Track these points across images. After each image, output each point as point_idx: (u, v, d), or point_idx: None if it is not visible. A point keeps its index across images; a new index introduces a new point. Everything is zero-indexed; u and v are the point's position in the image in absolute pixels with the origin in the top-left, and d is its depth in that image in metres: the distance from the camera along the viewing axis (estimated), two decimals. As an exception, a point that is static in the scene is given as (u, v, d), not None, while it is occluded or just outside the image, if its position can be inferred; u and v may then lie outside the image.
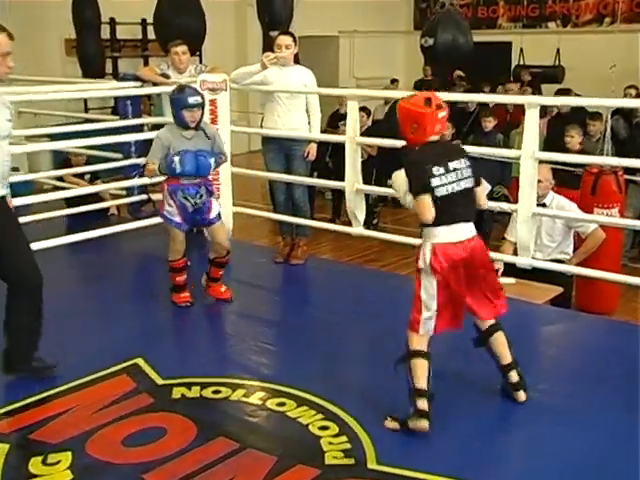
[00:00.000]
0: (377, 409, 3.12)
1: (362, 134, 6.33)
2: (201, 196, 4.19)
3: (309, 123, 5.26)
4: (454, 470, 2.69)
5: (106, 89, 6.43)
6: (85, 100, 9.50)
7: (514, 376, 3.16)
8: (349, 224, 5.34)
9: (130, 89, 5.70)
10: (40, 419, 3.09)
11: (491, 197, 6.85)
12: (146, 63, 10.31)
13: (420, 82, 11.36)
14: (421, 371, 2.96)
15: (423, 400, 2.93)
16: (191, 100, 4.10)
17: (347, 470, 2.75)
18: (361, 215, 5.10)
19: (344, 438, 2.93)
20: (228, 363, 3.77)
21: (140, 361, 3.60)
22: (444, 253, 2.97)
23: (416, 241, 5.54)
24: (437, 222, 2.98)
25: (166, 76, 5.61)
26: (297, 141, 5.20)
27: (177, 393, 3.31)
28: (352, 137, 4.98)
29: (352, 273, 5.51)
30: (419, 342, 3.00)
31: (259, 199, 8.26)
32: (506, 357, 3.14)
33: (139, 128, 5.80)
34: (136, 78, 5.75)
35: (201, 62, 9.13)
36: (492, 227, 7.39)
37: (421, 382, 2.94)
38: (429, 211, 2.95)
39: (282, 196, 5.36)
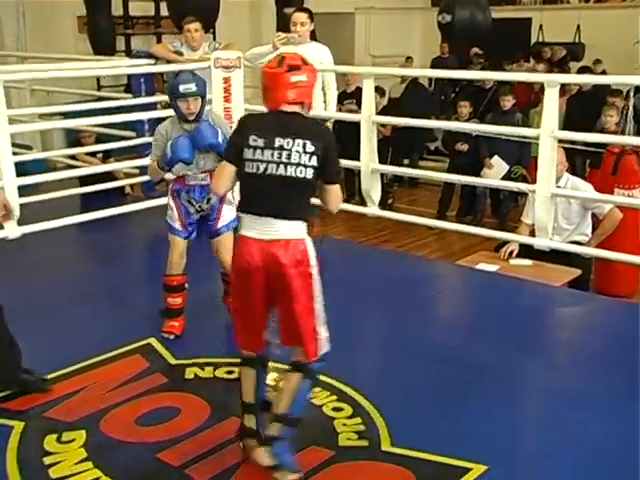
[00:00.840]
0: (392, 391, 3.13)
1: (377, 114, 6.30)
2: (208, 200, 3.67)
3: (325, 101, 5.24)
4: (468, 453, 2.70)
5: (120, 67, 6.42)
6: (98, 78, 9.50)
7: (273, 430, 2.56)
8: (362, 204, 5.32)
9: (143, 67, 5.69)
10: (55, 397, 3.12)
11: (509, 177, 6.86)
12: (159, 40, 10.27)
13: (437, 60, 11.27)
14: (246, 382, 2.68)
15: (250, 417, 2.67)
16: (182, 88, 3.54)
17: (361, 452, 2.76)
18: (376, 195, 5.08)
19: (358, 420, 2.95)
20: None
21: (153, 341, 3.63)
22: (239, 250, 2.58)
23: (432, 222, 5.58)
24: (241, 206, 2.60)
25: (179, 53, 5.60)
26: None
27: (190, 373, 3.33)
28: (368, 116, 4.95)
29: (367, 253, 5.51)
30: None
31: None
32: (281, 406, 2.57)
33: (152, 106, 5.80)
34: (149, 55, 5.74)
35: (215, 39, 9.09)
36: (510, 208, 7.37)
37: (246, 395, 2.68)
38: (220, 179, 2.62)
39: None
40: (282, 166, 2.48)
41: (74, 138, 6.85)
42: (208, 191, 3.58)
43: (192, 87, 3.56)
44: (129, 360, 3.47)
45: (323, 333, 2.62)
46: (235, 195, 3.62)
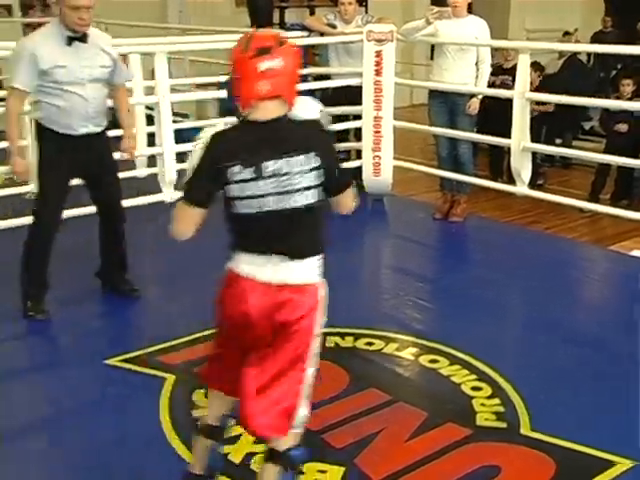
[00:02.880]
0: (533, 374, 3.07)
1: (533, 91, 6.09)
2: None
3: (476, 76, 5.14)
4: (612, 446, 2.60)
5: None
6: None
7: None
8: (510, 183, 5.19)
9: (297, 39, 5.78)
10: (204, 355, 3.28)
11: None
12: (312, 13, 10.38)
13: (598, 34, 10.69)
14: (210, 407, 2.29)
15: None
16: None
17: (499, 433, 2.73)
18: (527, 175, 4.94)
19: (497, 401, 2.91)
20: (383, 316, 3.82)
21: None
22: (234, 293, 2.02)
23: (583, 204, 5.34)
24: (236, 244, 2.04)
25: (333, 26, 5.65)
26: (462, 95, 5.09)
27: (331, 342, 3.40)
28: (522, 92, 4.81)
29: (513, 233, 5.37)
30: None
31: (419, 154, 8.19)
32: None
33: (304, 78, 5.89)
34: (303, 27, 5.84)
35: (367, 12, 9.08)
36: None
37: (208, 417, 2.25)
38: (183, 224, 2.04)
39: (445, 151, 5.30)
40: (283, 197, 1.94)
41: (226, 108, 7.09)
42: None
43: None
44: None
45: (302, 410, 2.06)
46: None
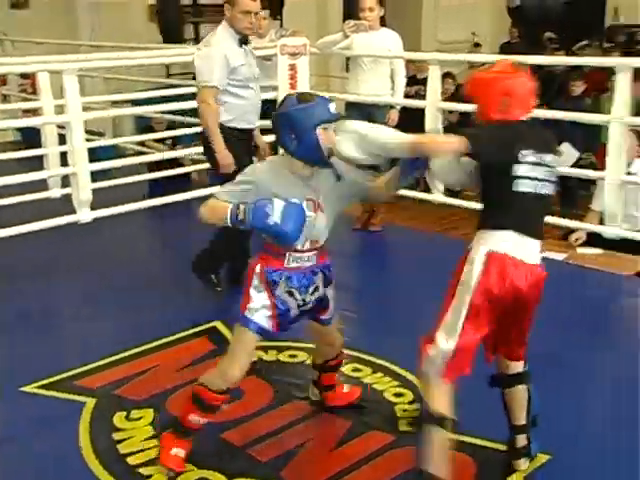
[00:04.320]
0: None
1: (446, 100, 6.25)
2: (316, 289, 2.63)
3: (392, 88, 5.24)
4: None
5: (188, 54, 6.51)
6: (167, 66, 9.67)
7: (521, 440, 2.58)
8: (426, 191, 5.30)
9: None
10: (124, 376, 3.23)
11: (578, 164, 6.69)
12: (227, 28, 10.40)
13: (506, 45, 11.06)
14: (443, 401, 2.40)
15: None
16: (331, 109, 2.46)
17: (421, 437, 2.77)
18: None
19: (419, 406, 2.95)
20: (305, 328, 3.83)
21: (219, 324, 3.71)
22: (504, 271, 2.32)
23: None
24: (501, 222, 2.37)
25: (246, 41, 5.66)
26: (379, 107, 5.18)
27: (254, 356, 3.39)
28: (433, 102, 4.92)
29: (432, 241, 5.48)
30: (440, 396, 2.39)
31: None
32: (519, 418, 2.57)
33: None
34: (217, 43, 5.81)
35: (282, 26, 9.14)
36: (579, 196, 7.19)
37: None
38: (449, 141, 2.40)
39: (362, 162, 5.37)
40: (546, 184, 2.35)
41: (144, 125, 7.01)
42: (314, 276, 2.59)
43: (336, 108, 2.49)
44: (196, 342, 3.57)
45: None
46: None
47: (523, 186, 2.31)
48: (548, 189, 2.37)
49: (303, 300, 2.57)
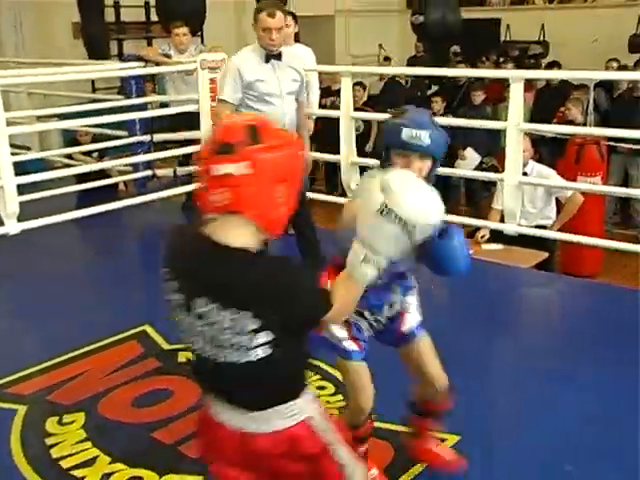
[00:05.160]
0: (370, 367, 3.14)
1: (359, 108, 6.32)
2: (391, 305, 2.28)
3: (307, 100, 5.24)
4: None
5: (112, 70, 6.38)
6: (93, 81, 9.44)
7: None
8: (344, 195, 5.34)
9: (134, 69, 5.66)
10: (55, 382, 3.13)
11: (481, 167, 6.89)
12: (149, 44, 10.22)
13: (412, 58, 11.27)
14: None
15: None
16: (408, 136, 2.03)
17: (343, 426, 2.78)
18: (355, 187, 5.10)
19: (340, 397, 2.97)
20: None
21: (148, 328, 3.63)
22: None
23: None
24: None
25: (168, 56, 5.59)
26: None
27: (183, 357, 3.33)
28: (346, 112, 4.96)
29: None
30: None
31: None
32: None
33: (143, 107, 5.78)
34: (139, 58, 5.71)
35: (202, 42, 9.05)
36: (483, 196, 7.39)
37: None
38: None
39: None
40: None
41: (70, 138, 6.82)
42: (389, 294, 2.25)
43: (424, 138, 2.02)
44: (125, 346, 3.48)
45: None
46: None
47: None
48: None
49: (377, 321, 2.28)
